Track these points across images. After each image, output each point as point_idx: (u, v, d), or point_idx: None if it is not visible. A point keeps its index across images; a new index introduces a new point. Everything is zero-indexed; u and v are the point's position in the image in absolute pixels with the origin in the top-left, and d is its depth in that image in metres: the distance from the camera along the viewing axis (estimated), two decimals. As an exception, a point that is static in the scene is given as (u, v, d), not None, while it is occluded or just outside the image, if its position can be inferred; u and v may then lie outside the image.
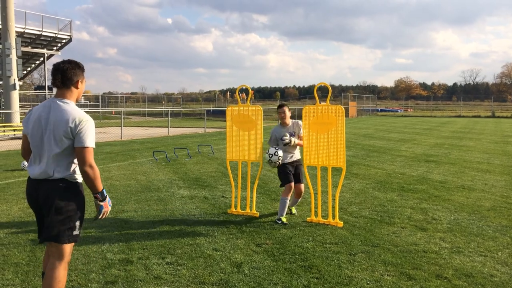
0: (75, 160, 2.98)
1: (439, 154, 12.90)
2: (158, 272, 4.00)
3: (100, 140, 17.53)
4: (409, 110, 63.77)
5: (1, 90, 27.09)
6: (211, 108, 43.84)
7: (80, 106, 48.95)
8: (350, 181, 8.45)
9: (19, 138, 18.43)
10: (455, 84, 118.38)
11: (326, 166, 5.70)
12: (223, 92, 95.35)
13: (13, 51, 20.81)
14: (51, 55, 39.47)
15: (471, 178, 8.89)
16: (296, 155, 5.95)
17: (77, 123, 2.89)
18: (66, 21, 37.68)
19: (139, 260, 4.29)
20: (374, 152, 13.43)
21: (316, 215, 5.80)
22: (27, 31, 33.85)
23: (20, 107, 23.48)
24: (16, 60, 21.15)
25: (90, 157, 2.91)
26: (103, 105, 48.26)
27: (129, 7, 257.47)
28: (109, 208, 3.11)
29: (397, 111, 59.94)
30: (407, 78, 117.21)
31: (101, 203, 3.03)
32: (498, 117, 45.17)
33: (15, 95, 21.38)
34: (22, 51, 24.61)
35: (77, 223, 3.02)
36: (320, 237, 5.04)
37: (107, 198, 3.09)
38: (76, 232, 3.01)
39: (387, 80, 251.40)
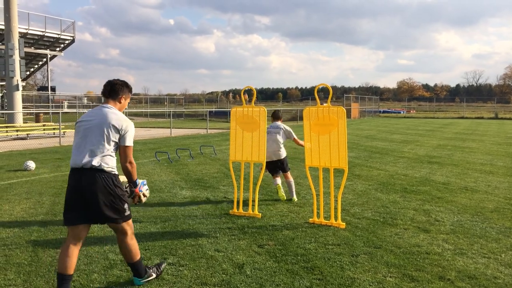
0: (114, 155, 3.51)
1: (442, 156, 12.87)
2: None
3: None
4: (411, 111, 63.71)
5: (4, 90, 27.16)
6: (214, 109, 43.86)
7: (83, 106, 49.06)
8: (352, 182, 8.43)
9: (21, 138, 18.49)
10: (458, 85, 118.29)
11: (328, 168, 5.69)
12: (225, 93, 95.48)
13: (16, 52, 20.87)
14: (54, 56, 39.62)
15: (474, 179, 8.86)
16: (269, 154, 6.66)
17: (122, 125, 3.47)
18: (68, 22, 37.85)
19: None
20: (377, 154, 13.41)
21: (318, 216, 5.78)
22: (30, 32, 33.98)
23: (23, 107, 23.54)
24: (19, 60, 21.21)
25: (130, 155, 3.52)
26: (105, 106, 48.29)
27: (131, 8, 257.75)
28: (141, 192, 3.72)
29: (400, 113, 59.87)
30: (410, 80, 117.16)
31: (132, 189, 3.66)
32: (501, 118, 45.05)
33: (18, 95, 21.44)
34: (25, 52, 24.69)
35: (126, 206, 3.54)
36: (323, 238, 5.02)
37: (140, 184, 3.72)
38: (127, 213, 3.55)
39: (389, 82, 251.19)
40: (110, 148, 3.45)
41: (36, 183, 8.36)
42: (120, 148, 3.50)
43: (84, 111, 36.25)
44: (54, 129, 20.24)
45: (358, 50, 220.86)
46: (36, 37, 35.37)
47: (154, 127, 27.82)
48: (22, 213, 6.13)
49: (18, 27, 21.95)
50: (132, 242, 3.63)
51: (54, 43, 37.89)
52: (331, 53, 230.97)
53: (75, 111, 35.59)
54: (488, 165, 10.96)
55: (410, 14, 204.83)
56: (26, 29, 33.21)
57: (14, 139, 18.33)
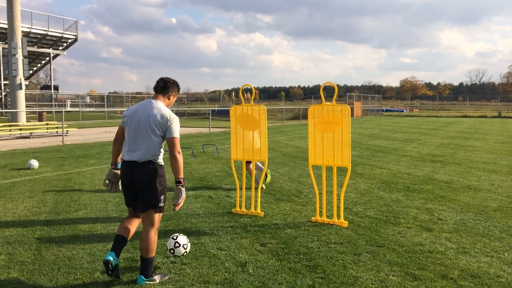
0: (161, 148, 3.77)
1: (445, 154, 12.84)
2: (163, 272, 3.99)
3: (105, 140, 17.59)
4: (414, 110, 63.57)
5: (8, 89, 27.23)
6: (216, 108, 43.83)
7: (86, 105, 49.16)
8: (355, 181, 8.42)
9: (24, 137, 18.54)
10: (461, 84, 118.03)
11: (331, 166, 5.68)
12: (228, 92, 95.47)
13: (19, 51, 20.92)
14: (57, 55, 39.68)
15: (477, 178, 8.83)
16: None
17: (167, 119, 3.70)
18: (71, 21, 37.92)
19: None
20: (379, 152, 13.39)
21: (321, 215, 5.78)
22: (33, 30, 34.05)
23: (26, 106, 23.60)
24: (22, 59, 21.26)
25: (178, 146, 3.72)
26: (108, 105, 48.43)
27: (133, 7, 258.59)
28: (184, 196, 3.81)
29: (403, 111, 59.76)
30: (413, 78, 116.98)
31: (182, 188, 3.77)
32: (505, 117, 44.90)
33: (21, 94, 21.50)
34: (28, 51, 24.74)
35: (162, 197, 3.79)
36: (325, 237, 5.02)
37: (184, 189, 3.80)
38: (161, 204, 3.79)
39: (392, 80, 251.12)
40: (157, 142, 3.71)
41: (39, 181, 8.39)
42: (168, 140, 3.73)
43: (87, 109, 36.37)
44: (57, 128, 20.30)
45: (360, 48, 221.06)
46: (39, 36, 35.44)
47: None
48: (26, 211, 6.15)
49: (21, 26, 21.99)
50: (155, 237, 3.77)
51: (57, 42, 37.96)
52: (333, 52, 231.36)
53: (78, 109, 35.66)
54: (491, 163, 10.93)
55: (413, 13, 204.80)
56: (29, 28, 33.28)
57: (17, 138, 18.38)
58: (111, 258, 3.61)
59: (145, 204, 3.72)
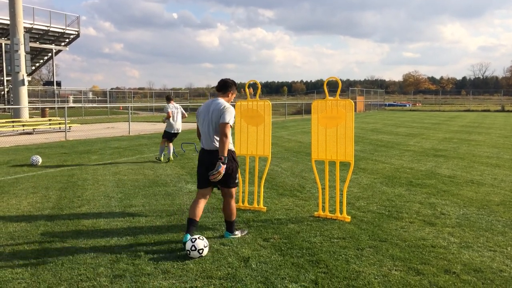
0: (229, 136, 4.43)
1: (447, 149, 12.81)
2: (166, 267, 4.01)
3: (108, 135, 17.61)
4: (417, 104, 63.39)
5: (10, 85, 27.28)
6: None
7: (88, 101, 49.17)
8: (358, 176, 8.41)
9: (27, 133, 18.59)
10: (464, 78, 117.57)
11: (334, 161, 5.67)
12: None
13: (22, 47, 20.93)
14: (59, 51, 39.71)
15: (480, 172, 8.81)
16: (177, 127, 10.71)
17: (222, 108, 4.45)
18: (73, 17, 37.96)
19: (147, 254, 4.30)
20: (382, 147, 13.36)
21: (323, 210, 5.78)
22: (35, 26, 34.06)
23: (28, 102, 23.63)
24: (25, 55, 21.28)
25: (226, 130, 4.36)
26: (110, 100, 48.48)
27: (135, 2, 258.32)
28: (222, 173, 4.35)
29: (405, 106, 59.59)
30: (416, 72, 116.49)
31: (221, 164, 4.32)
32: (508, 111, 44.71)
33: (24, 90, 21.54)
34: (30, 47, 24.73)
35: (234, 176, 4.65)
36: (328, 232, 5.03)
37: (225, 166, 4.35)
38: (236, 181, 4.73)
39: (395, 75, 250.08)
40: (216, 130, 4.47)
41: (42, 177, 8.41)
42: (219, 125, 4.41)
43: (89, 105, 36.38)
44: (60, 123, 20.33)
45: (363, 43, 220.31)
46: (41, 32, 35.45)
47: (159, 122, 27.85)
48: (29, 207, 6.17)
49: (23, 22, 21.99)
50: (234, 205, 4.75)
51: (59, 38, 37.96)
52: (335, 46, 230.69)
53: (81, 105, 35.69)
54: (494, 158, 10.90)
55: (415, 7, 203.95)
56: (31, 24, 33.28)
57: (21, 133, 18.42)
58: (186, 239, 4.30)
59: (222, 184, 4.60)
